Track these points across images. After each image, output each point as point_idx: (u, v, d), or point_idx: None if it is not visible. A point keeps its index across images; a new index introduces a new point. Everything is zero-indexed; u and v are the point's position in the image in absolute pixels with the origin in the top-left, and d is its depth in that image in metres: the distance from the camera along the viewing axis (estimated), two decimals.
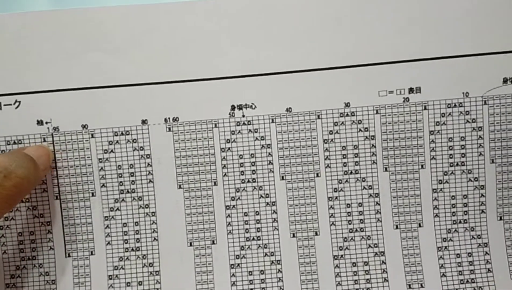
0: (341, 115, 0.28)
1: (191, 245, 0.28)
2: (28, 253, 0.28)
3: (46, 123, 0.28)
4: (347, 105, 0.28)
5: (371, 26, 0.27)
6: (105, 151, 0.28)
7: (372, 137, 0.28)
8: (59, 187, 0.28)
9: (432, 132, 0.28)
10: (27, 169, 0.24)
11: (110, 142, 0.28)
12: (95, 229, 0.28)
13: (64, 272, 0.28)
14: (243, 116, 0.28)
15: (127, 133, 0.28)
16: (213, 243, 0.28)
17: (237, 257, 0.28)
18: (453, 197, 0.28)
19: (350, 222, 0.28)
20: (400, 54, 0.28)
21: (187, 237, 0.28)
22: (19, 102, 0.27)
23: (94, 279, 0.28)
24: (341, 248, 0.28)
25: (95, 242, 0.28)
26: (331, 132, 0.28)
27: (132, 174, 0.28)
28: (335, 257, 0.28)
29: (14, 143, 0.28)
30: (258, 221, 0.28)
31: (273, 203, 0.28)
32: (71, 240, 0.28)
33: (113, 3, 0.29)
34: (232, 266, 0.28)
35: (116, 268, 0.28)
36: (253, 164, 0.28)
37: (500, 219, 0.28)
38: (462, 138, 0.28)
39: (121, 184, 0.28)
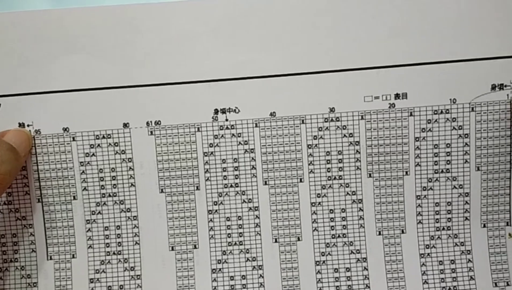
0: (326, 120, 0.28)
1: (172, 249, 0.28)
2: (10, 255, 0.28)
3: (28, 126, 0.27)
4: (332, 110, 0.27)
5: (357, 31, 0.27)
6: (87, 155, 0.27)
7: (357, 143, 0.28)
8: (41, 190, 0.28)
9: (417, 139, 0.28)
10: (10, 163, 0.24)
11: (92, 146, 0.27)
12: (76, 232, 0.28)
13: (45, 275, 0.28)
14: (227, 120, 0.28)
15: (109, 136, 0.27)
16: (195, 247, 0.28)
17: (219, 261, 0.28)
18: (437, 204, 0.28)
19: (333, 227, 0.28)
20: (387, 59, 0.27)
21: (169, 241, 0.28)
22: (0, 104, 0.27)
23: (76, 282, 0.28)
24: (323, 253, 0.28)
25: (76, 245, 0.28)
26: (315, 137, 0.28)
27: (113, 178, 0.28)
28: (317, 263, 0.28)
29: None
30: (240, 226, 0.28)
31: (256, 208, 0.28)
32: (53, 243, 0.28)
33: (96, 4, 0.29)
34: (214, 270, 0.28)
35: (97, 271, 0.28)
36: (236, 168, 0.28)
37: (484, 226, 0.28)
38: (448, 145, 0.28)
39: (102, 187, 0.28)
